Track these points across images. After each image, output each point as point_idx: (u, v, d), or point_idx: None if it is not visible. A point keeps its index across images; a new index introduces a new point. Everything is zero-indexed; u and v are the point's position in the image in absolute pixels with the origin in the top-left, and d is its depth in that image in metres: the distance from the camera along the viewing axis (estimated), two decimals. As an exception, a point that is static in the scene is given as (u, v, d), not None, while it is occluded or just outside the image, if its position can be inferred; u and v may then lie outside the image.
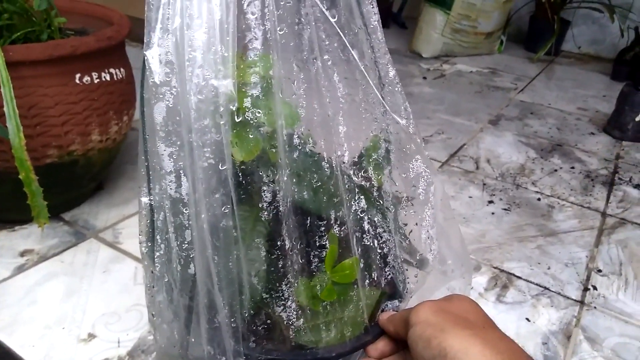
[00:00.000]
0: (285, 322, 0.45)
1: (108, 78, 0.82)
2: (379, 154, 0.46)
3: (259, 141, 0.43)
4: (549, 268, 0.88)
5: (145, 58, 0.39)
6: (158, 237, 0.45)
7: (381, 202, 0.46)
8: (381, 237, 0.47)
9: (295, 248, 0.44)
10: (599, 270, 0.89)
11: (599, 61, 2.22)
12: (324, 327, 0.46)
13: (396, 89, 0.44)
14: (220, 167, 0.40)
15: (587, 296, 0.82)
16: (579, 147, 1.37)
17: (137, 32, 0.92)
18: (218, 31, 0.37)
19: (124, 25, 0.87)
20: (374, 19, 0.43)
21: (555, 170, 1.23)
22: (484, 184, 1.14)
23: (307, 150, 0.43)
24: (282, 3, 0.39)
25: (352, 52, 0.41)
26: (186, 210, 0.42)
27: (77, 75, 0.77)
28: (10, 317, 0.69)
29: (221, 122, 0.39)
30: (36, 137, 0.75)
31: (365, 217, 0.46)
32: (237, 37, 0.39)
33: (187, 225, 0.42)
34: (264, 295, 0.44)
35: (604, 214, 1.06)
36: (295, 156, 0.43)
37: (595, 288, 0.84)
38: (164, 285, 0.47)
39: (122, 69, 0.86)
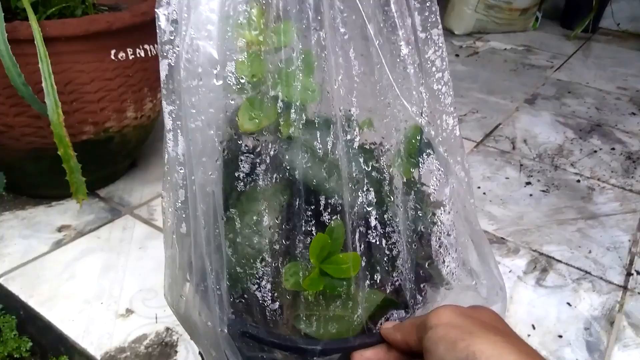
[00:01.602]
0: (260, 301, 0.43)
1: (142, 54, 0.81)
2: (415, 147, 0.43)
3: (272, 113, 0.41)
4: (590, 252, 0.85)
5: (157, 15, 0.39)
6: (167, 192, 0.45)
7: (392, 199, 0.42)
8: (390, 238, 0.43)
9: (277, 227, 0.42)
10: (643, 255, 0.86)
11: (639, 39, 2.14)
12: (304, 318, 0.43)
13: (433, 68, 0.41)
14: (209, 131, 0.39)
15: (631, 281, 0.80)
16: (619, 127, 1.33)
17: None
18: None
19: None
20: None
21: (595, 152, 1.19)
22: (521, 165, 1.11)
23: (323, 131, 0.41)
24: None
25: (369, 26, 0.38)
26: (181, 169, 0.42)
27: (113, 51, 0.77)
28: (50, 292, 0.70)
29: (200, 84, 0.38)
30: (73, 113, 0.75)
31: (374, 212, 0.42)
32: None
33: (181, 184, 0.42)
34: (238, 270, 0.43)
35: (647, 197, 1.02)
36: (309, 135, 0.41)
37: (638, 273, 0.81)
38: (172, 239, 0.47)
39: (156, 45, 0.85)
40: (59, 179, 0.73)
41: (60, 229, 0.82)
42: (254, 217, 0.44)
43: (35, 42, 0.66)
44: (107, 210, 0.87)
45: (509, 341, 0.33)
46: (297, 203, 0.41)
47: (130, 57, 0.79)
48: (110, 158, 0.87)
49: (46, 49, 0.67)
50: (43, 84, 0.66)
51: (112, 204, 0.89)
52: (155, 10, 0.40)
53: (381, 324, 0.43)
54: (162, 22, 0.40)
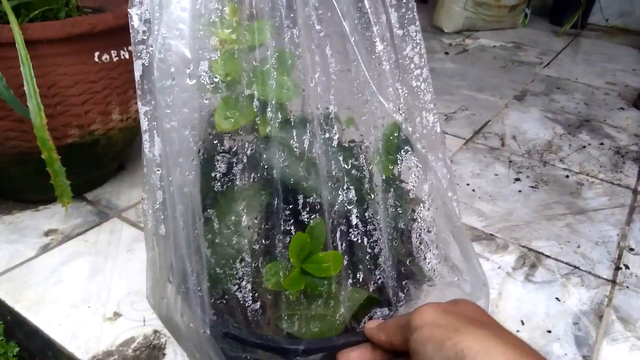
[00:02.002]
0: (240, 302, 0.43)
1: (127, 56, 0.81)
2: (394, 144, 0.42)
3: (248, 112, 0.41)
4: (578, 246, 0.86)
5: (129, 15, 0.39)
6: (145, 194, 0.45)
7: (372, 196, 0.42)
8: (371, 236, 0.43)
9: (256, 227, 0.42)
10: (631, 249, 0.86)
11: (627, 34, 2.15)
12: (286, 317, 0.43)
13: (411, 65, 0.41)
14: (184, 131, 0.39)
15: (619, 275, 0.80)
16: (607, 122, 1.33)
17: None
18: None
19: (142, 2, 0.86)
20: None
21: (584, 147, 1.19)
22: (510, 161, 1.11)
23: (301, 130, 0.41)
24: None
25: (344, 23, 0.38)
26: (158, 170, 0.42)
27: (96, 54, 0.76)
28: (37, 296, 0.70)
29: (172, 83, 0.38)
30: (57, 116, 0.75)
31: (354, 211, 0.42)
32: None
33: (159, 185, 0.42)
34: (218, 270, 0.43)
35: (635, 191, 1.03)
36: (286, 133, 0.41)
37: (627, 267, 0.82)
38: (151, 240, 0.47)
39: (141, 47, 0.85)
40: (45, 183, 0.73)
41: (47, 233, 0.81)
42: (233, 217, 0.43)
43: (17, 45, 0.66)
44: (95, 213, 0.86)
45: (495, 334, 0.33)
46: (275, 202, 0.40)
47: (115, 59, 0.79)
48: (97, 161, 0.86)
49: (28, 52, 0.67)
50: (25, 87, 0.65)
51: (99, 207, 0.88)
52: (128, 10, 0.40)
53: (364, 323, 0.43)
54: (135, 22, 0.40)
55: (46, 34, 0.71)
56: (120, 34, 0.79)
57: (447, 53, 1.80)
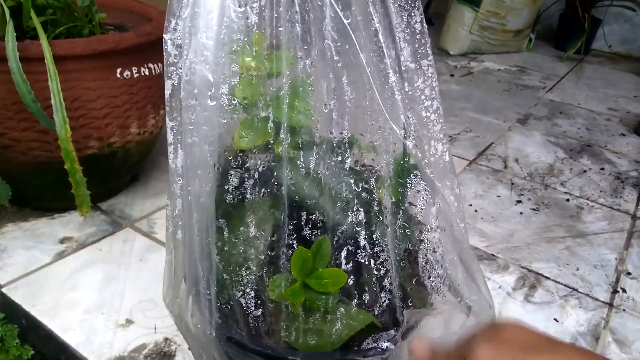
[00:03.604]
0: (243, 308, 0.45)
1: (147, 73, 0.84)
2: (404, 169, 0.45)
3: (264, 133, 0.44)
4: (577, 269, 0.88)
5: (164, 40, 0.42)
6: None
7: (380, 219, 0.44)
8: (378, 257, 0.44)
9: (263, 238, 0.45)
10: (629, 273, 0.88)
11: (630, 61, 2.19)
12: (285, 327, 0.45)
13: (422, 96, 0.44)
14: (203, 146, 0.42)
15: (616, 299, 0.82)
16: (608, 148, 1.36)
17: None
18: (205, 20, 0.39)
19: (163, 21, 0.89)
20: (416, 20, 0.44)
21: (585, 171, 1.22)
22: (512, 184, 1.14)
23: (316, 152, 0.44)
24: (293, 2, 0.40)
25: (361, 55, 0.41)
26: (179, 180, 0.45)
27: (118, 70, 0.80)
28: (52, 302, 0.72)
29: (195, 103, 0.41)
30: (78, 128, 0.78)
31: (363, 232, 0.44)
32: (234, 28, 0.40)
33: (179, 194, 0.45)
34: (225, 276, 0.45)
35: (634, 217, 1.05)
36: (299, 154, 0.44)
37: (624, 291, 0.84)
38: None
39: (159, 64, 0.88)
40: (63, 192, 0.76)
41: (62, 241, 0.84)
42: (242, 228, 0.46)
43: (46, 61, 0.69)
44: (109, 223, 0.89)
45: (557, 358, 0.32)
46: (282, 217, 0.43)
47: (135, 76, 0.82)
48: (113, 172, 0.90)
49: (55, 67, 0.70)
50: (52, 101, 0.69)
51: (113, 217, 0.91)
52: (163, 35, 0.43)
53: (362, 341, 0.45)
54: (169, 46, 0.43)
55: (73, 50, 0.74)
56: (141, 52, 0.83)
57: (452, 75, 1.83)
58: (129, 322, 0.70)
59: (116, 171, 0.90)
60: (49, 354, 0.69)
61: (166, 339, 0.68)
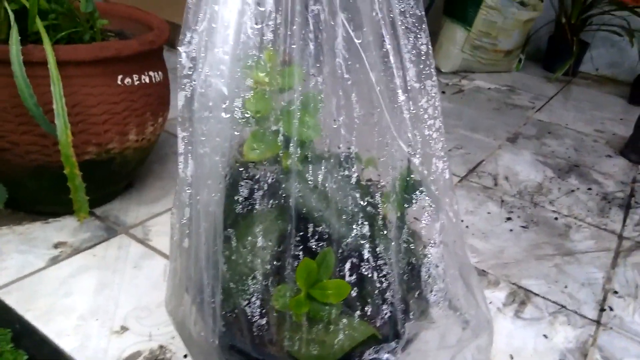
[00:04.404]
0: (248, 317, 0.46)
1: (147, 80, 0.85)
2: (409, 185, 0.46)
3: (274, 146, 0.46)
4: (565, 287, 0.90)
5: (179, 52, 0.44)
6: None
7: (385, 233, 0.45)
8: (381, 270, 0.45)
9: (270, 249, 0.46)
10: (615, 292, 0.90)
11: (616, 84, 2.24)
12: (288, 337, 0.46)
13: (425, 115, 0.45)
14: (215, 157, 0.43)
15: (604, 316, 0.84)
16: (595, 169, 1.39)
17: (172, 37, 0.95)
18: (222, 35, 0.41)
19: (164, 30, 0.90)
20: (422, 41, 0.45)
21: (573, 191, 1.25)
22: (502, 201, 1.16)
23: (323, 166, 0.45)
24: (306, 18, 0.42)
25: (371, 74, 0.42)
26: (188, 189, 0.46)
27: (119, 77, 0.80)
28: (46, 307, 0.72)
29: (209, 115, 0.42)
30: (78, 134, 0.78)
31: (367, 245, 0.45)
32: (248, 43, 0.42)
33: (187, 203, 0.46)
34: (231, 285, 0.46)
35: (620, 237, 1.07)
36: (307, 168, 0.46)
37: (611, 309, 0.86)
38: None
39: (159, 72, 0.89)
40: (58, 197, 0.76)
41: (56, 246, 0.84)
42: (249, 238, 0.47)
43: (49, 66, 0.69)
44: (103, 228, 0.89)
45: None
46: (289, 229, 0.44)
47: (136, 83, 0.83)
48: (110, 178, 0.90)
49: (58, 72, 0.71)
50: (54, 106, 0.69)
51: (108, 223, 0.91)
52: (178, 48, 0.44)
53: (364, 352, 0.46)
54: (183, 59, 0.44)
55: (75, 56, 0.75)
56: (143, 60, 0.84)
57: (443, 92, 1.86)
58: (124, 328, 0.70)
59: (113, 177, 0.90)
60: (43, 359, 0.68)
61: (161, 347, 0.68)
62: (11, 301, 0.72)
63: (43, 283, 0.76)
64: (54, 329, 0.69)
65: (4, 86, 0.73)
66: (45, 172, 0.81)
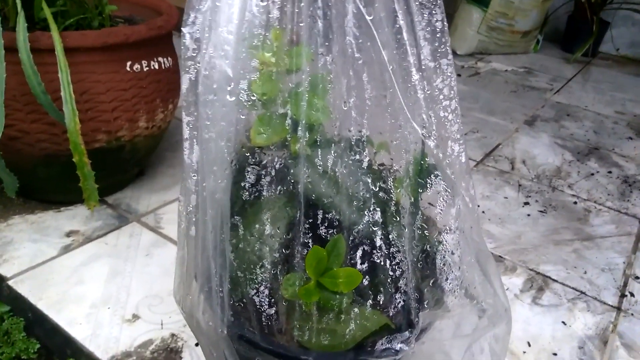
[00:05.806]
0: (257, 306, 0.45)
1: (157, 66, 0.84)
2: (423, 169, 0.44)
3: (281, 130, 0.44)
4: (585, 272, 0.88)
5: (182, 33, 0.42)
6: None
7: (397, 219, 0.44)
8: (394, 258, 0.44)
9: (278, 237, 0.45)
10: (637, 277, 0.88)
11: (637, 64, 2.18)
12: (297, 326, 0.45)
13: (440, 96, 0.43)
14: (220, 142, 0.42)
15: (624, 302, 0.82)
16: (616, 151, 1.35)
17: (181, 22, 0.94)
18: (226, 14, 0.39)
19: (173, 15, 0.89)
20: (437, 18, 0.43)
21: (592, 174, 1.22)
22: (520, 185, 1.13)
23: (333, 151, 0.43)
24: None
25: (383, 52, 0.40)
26: (194, 176, 0.44)
27: (128, 63, 0.79)
28: (58, 295, 0.72)
29: (214, 98, 0.41)
30: (87, 121, 0.78)
31: (379, 232, 0.43)
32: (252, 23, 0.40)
33: (193, 190, 0.45)
34: (239, 274, 0.45)
35: (642, 221, 1.04)
36: (315, 152, 0.44)
37: (632, 295, 0.83)
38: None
39: (169, 58, 0.88)
40: (69, 185, 0.75)
41: (68, 234, 0.84)
42: (257, 226, 0.46)
43: (56, 53, 0.69)
44: (115, 217, 0.89)
45: None
46: (298, 215, 0.43)
47: (145, 69, 0.82)
48: (120, 166, 0.89)
49: (66, 58, 0.70)
50: (62, 93, 0.68)
51: (119, 211, 0.90)
52: (182, 29, 0.42)
53: (376, 342, 0.44)
54: (187, 40, 0.42)
55: (83, 42, 0.74)
56: (151, 45, 0.83)
57: (459, 75, 1.83)
58: (136, 317, 0.70)
59: (123, 165, 0.89)
60: (55, 348, 0.68)
61: (173, 335, 0.67)
62: (24, 290, 0.72)
63: (55, 272, 0.76)
64: (66, 317, 0.69)
65: (12, 74, 0.72)
66: (55, 161, 0.80)
